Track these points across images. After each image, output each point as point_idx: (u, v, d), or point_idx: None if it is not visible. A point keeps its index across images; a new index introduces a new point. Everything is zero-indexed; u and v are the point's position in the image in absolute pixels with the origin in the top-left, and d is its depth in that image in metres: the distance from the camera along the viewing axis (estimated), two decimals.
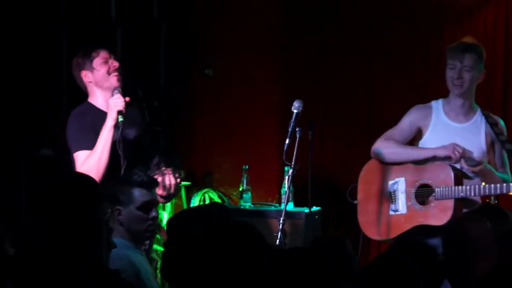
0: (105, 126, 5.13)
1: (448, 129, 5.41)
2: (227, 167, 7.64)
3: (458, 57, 5.35)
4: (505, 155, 5.46)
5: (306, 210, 6.11)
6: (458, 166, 5.33)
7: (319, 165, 6.92)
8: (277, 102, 7.50)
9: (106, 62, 5.26)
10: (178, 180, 5.27)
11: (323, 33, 7.58)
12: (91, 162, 5.09)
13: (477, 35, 7.31)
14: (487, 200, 6.47)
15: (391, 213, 5.39)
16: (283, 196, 6.09)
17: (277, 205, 6.69)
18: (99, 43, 5.34)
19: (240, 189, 6.69)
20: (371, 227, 5.46)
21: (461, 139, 5.35)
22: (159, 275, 6.03)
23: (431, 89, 7.57)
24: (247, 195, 6.63)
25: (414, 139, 5.55)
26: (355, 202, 5.57)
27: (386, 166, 5.45)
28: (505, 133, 5.45)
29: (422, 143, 5.46)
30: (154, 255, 6.40)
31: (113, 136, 5.13)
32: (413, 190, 5.39)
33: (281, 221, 5.19)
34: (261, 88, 7.66)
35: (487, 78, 7.32)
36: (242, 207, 6.63)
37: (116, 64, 5.28)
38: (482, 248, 3.95)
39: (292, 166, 5.27)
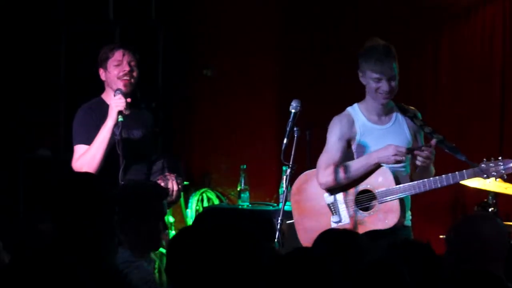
0: (104, 126, 5.20)
1: (374, 133, 5.23)
2: (225, 167, 7.64)
3: (383, 70, 5.12)
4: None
5: None
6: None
7: None
8: (275, 102, 7.50)
9: (118, 65, 5.29)
10: (180, 186, 5.30)
11: (323, 33, 7.59)
12: (85, 158, 5.18)
13: (476, 35, 7.33)
14: (485, 200, 6.46)
15: (334, 225, 5.20)
16: (281, 196, 6.09)
17: (275, 204, 6.69)
18: (118, 43, 5.35)
19: (238, 189, 6.68)
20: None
21: (388, 140, 5.17)
22: (157, 275, 6.04)
23: (428, 89, 7.59)
24: (245, 195, 6.63)
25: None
26: (288, 222, 5.42)
27: (316, 180, 5.26)
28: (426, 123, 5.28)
29: (352, 153, 5.26)
30: (152, 255, 6.40)
31: (113, 135, 5.18)
32: (352, 198, 5.23)
33: (279, 221, 5.18)
34: (259, 88, 7.66)
35: (486, 78, 7.37)
36: (240, 207, 6.63)
37: (126, 68, 5.29)
38: (495, 248, 3.86)
39: (290, 166, 5.25)
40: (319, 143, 6.95)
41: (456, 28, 7.38)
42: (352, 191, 5.23)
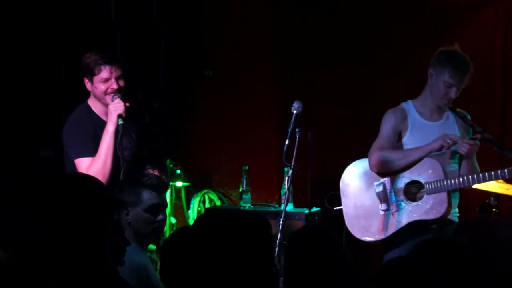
0: (106, 131, 5.18)
1: (425, 129, 5.44)
2: (227, 168, 7.63)
3: (462, 79, 5.39)
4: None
5: (306, 211, 6.13)
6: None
7: (319, 166, 6.92)
8: (277, 103, 7.49)
9: (105, 81, 5.28)
10: None
11: (323, 34, 7.58)
12: (96, 168, 5.13)
13: (476, 36, 7.33)
14: (487, 201, 6.47)
15: (381, 212, 5.40)
16: (283, 197, 6.09)
17: (277, 206, 6.68)
18: (105, 57, 5.31)
19: (240, 190, 6.67)
20: (361, 229, 5.47)
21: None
22: (158, 277, 6.04)
23: None
24: (247, 196, 6.62)
25: None
26: (335, 208, 5.60)
27: (366, 170, 5.46)
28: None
29: (401, 145, 5.47)
30: (154, 256, 6.40)
31: (115, 138, 5.18)
32: (401, 187, 5.40)
33: (281, 222, 5.19)
34: (260, 89, 7.66)
35: (487, 79, 7.36)
36: (242, 208, 6.62)
37: (114, 86, 5.27)
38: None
39: (292, 167, 5.28)
40: (321, 144, 6.98)
41: (456, 29, 7.38)
42: (401, 181, 5.41)
